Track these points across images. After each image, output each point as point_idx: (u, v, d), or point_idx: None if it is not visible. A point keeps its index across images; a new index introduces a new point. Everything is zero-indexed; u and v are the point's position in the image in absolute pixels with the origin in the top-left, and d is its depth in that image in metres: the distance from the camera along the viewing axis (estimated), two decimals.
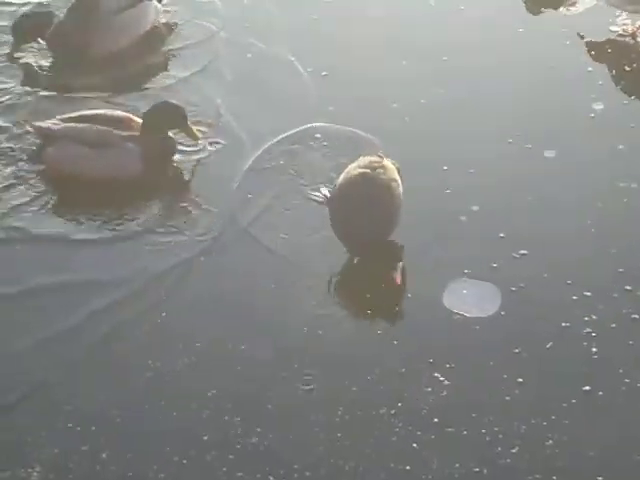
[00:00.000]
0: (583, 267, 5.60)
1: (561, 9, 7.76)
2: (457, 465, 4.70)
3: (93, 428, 4.86)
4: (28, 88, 6.94)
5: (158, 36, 7.46)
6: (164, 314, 5.38)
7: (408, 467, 4.70)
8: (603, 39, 7.36)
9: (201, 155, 6.38)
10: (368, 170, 5.61)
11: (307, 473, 4.68)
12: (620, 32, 7.43)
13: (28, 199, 6.08)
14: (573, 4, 7.79)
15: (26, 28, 7.22)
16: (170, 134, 6.27)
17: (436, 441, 4.79)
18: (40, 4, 7.69)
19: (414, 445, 4.78)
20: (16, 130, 6.52)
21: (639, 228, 5.89)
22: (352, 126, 6.50)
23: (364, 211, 5.49)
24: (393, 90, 6.90)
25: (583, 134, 6.53)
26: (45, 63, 7.19)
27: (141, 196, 6.13)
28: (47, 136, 6.25)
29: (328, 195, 5.77)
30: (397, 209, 5.59)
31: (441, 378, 5.04)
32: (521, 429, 4.84)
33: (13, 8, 7.68)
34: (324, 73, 7.06)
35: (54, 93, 6.90)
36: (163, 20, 7.55)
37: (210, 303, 5.47)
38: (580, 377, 5.04)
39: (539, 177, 6.22)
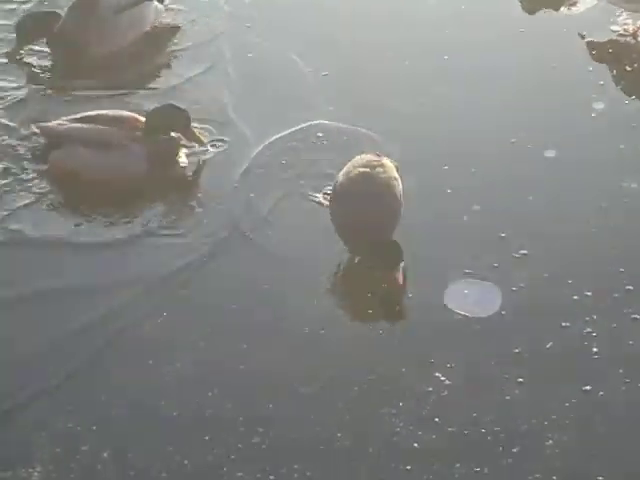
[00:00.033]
0: (583, 267, 5.60)
1: (562, 9, 7.77)
2: (457, 465, 4.70)
3: (94, 428, 4.86)
4: (32, 88, 6.94)
5: (162, 36, 7.47)
6: (166, 314, 5.39)
7: (409, 467, 4.70)
8: (604, 39, 7.36)
9: (205, 155, 6.38)
10: (368, 169, 5.61)
11: (307, 473, 4.68)
12: (621, 32, 7.43)
13: (32, 200, 6.07)
14: (574, 4, 7.79)
15: (30, 28, 7.16)
16: (174, 135, 6.25)
17: (437, 441, 4.80)
18: (41, 3, 7.69)
19: (415, 445, 4.78)
20: (21, 130, 6.50)
21: (639, 228, 5.89)
22: (353, 125, 6.51)
23: (365, 210, 5.48)
24: (393, 89, 6.90)
25: (583, 134, 6.54)
26: (47, 63, 7.18)
27: (145, 197, 6.13)
28: (52, 137, 6.25)
29: (329, 194, 5.78)
30: (398, 207, 5.59)
31: (442, 378, 5.04)
32: (521, 429, 4.84)
33: (14, 6, 7.68)
34: (325, 73, 7.07)
35: (59, 93, 6.90)
36: (167, 20, 7.56)
37: (212, 303, 5.47)
38: (580, 377, 5.04)
39: (540, 177, 6.22)
